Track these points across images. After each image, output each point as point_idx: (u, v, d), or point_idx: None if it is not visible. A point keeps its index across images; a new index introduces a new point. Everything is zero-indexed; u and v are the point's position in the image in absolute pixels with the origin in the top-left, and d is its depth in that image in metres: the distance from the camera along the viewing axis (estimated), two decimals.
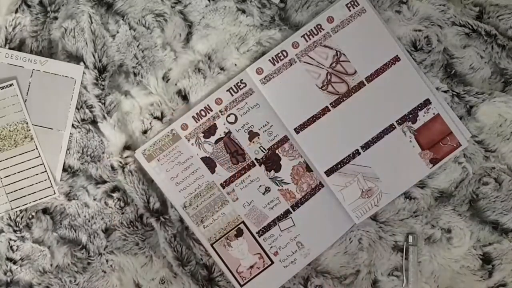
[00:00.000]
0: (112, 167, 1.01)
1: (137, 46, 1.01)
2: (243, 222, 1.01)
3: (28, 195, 0.99)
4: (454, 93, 1.01)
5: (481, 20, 1.02)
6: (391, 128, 1.00)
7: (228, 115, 1.00)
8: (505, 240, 1.02)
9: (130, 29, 1.01)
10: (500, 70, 1.02)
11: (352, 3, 1.00)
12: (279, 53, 0.99)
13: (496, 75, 1.03)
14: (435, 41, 1.01)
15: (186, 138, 0.99)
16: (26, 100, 0.99)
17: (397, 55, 1.00)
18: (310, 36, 1.00)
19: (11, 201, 0.98)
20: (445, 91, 1.01)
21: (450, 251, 1.02)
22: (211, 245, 1.01)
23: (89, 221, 1.02)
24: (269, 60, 0.99)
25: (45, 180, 0.99)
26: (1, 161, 0.98)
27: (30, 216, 1.00)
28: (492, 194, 1.02)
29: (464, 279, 1.02)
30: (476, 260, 1.02)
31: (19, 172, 0.99)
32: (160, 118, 1.01)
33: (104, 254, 1.02)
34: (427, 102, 1.01)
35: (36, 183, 0.99)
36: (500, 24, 1.02)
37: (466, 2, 1.02)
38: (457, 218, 1.02)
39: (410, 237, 1.01)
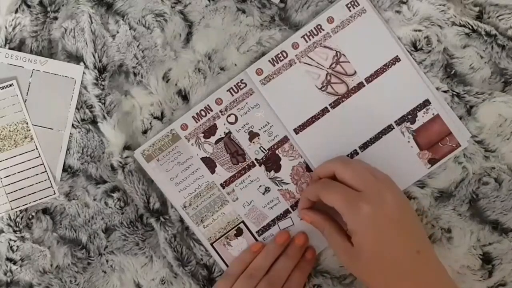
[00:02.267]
0: (112, 167, 1.01)
1: (137, 46, 1.01)
2: (243, 221, 1.01)
3: (28, 195, 0.99)
4: (454, 93, 1.01)
5: (481, 20, 1.02)
6: (389, 128, 1.00)
7: (228, 115, 1.00)
8: (505, 240, 1.02)
9: (130, 29, 1.01)
10: (500, 70, 1.02)
11: (352, 3, 1.00)
12: (279, 54, 0.99)
13: (496, 75, 1.02)
14: (435, 41, 1.01)
15: (186, 138, 0.99)
16: (26, 100, 0.99)
17: (397, 56, 1.00)
18: (310, 37, 1.00)
19: (11, 201, 0.98)
20: (445, 91, 1.01)
21: (450, 251, 1.01)
22: (211, 244, 1.01)
23: (89, 221, 1.02)
24: (269, 61, 0.99)
25: (45, 180, 0.99)
26: (1, 161, 0.98)
27: (30, 216, 1.01)
28: (492, 194, 1.02)
29: (464, 279, 1.02)
30: (476, 260, 1.02)
31: (19, 172, 0.99)
32: (160, 118, 1.01)
33: (104, 254, 1.02)
34: (426, 103, 1.00)
35: (36, 183, 0.99)
36: (500, 24, 1.02)
37: (466, 2, 1.02)
38: (457, 218, 1.02)
39: None
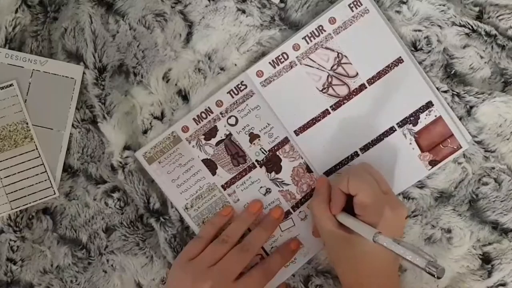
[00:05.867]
0: (112, 167, 1.01)
1: (137, 46, 1.01)
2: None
3: (28, 195, 0.99)
4: (454, 93, 1.01)
5: (481, 20, 1.02)
6: (391, 130, 1.00)
7: (229, 117, 1.00)
8: (504, 240, 1.02)
9: (130, 29, 1.01)
10: (500, 70, 1.02)
11: (355, 3, 0.99)
12: (279, 56, 0.99)
13: (496, 75, 1.03)
14: (435, 41, 1.01)
15: (187, 140, 0.99)
16: (26, 100, 0.99)
17: (400, 57, 1.00)
18: (311, 38, 0.99)
19: (11, 201, 0.98)
20: (445, 91, 1.01)
21: (450, 251, 1.02)
22: None
23: (89, 221, 1.02)
24: (270, 62, 0.99)
25: (45, 180, 0.99)
26: (1, 161, 0.98)
27: (30, 216, 1.01)
28: (492, 194, 1.02)
29: (464, 278, 1.02)
30: (476, 260, 1.02)
31: (19, 172, 0.99)
32: (160, 118, 1.01)
33: (104, 254, 1.02)
34: (429, 105, 1.00)
35: (36, 183, 0.99)
36: (500, 24, 1.02)
37: (466, 2, 1.02)
38: (457, 218, 1.02)
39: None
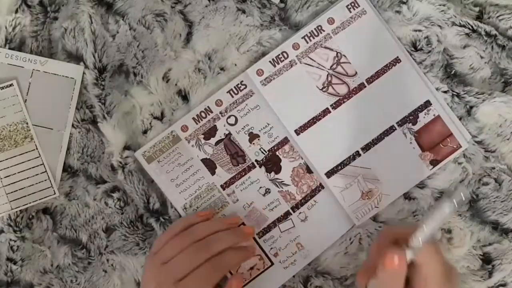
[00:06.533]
0: (112, 167, 1.01)
1: (137, 46, 1.01)
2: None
3: (28, 195, 0.99)
4: (454, 93, 1.01)
5: (481, 20, 1.02)
6: (391, 129, 1.00)
7: (229, 117, 1.00)
8: (505, 240, 1.02)
9: (130, 29, 1.01)
10: (500, 70, 1.02)
11: (353, 4, 1.00)
12: (279, 55, 0.99)
13: (496, 75, 1.03)
14: (435, 41, 1.01)
15: (186, 139, 0.99)
16: (26, 100, 0.99)
17: (397, 57, 1.00)
18: (311, 38, 1.00)
19: (11, 201, 0.98)
20: (445, 91, 1.01)
21: (450, 251, 1.02)
22: None
23: (89, 221, 1.02)
24: (270, 61, 0.99)
25: (45, 180, 0.99)
26: (1, 161, 0.98)
27: (30, 216, 1.00)
28: (492, 194, 1.02)
29: (465, 279, 1.02)
30: (476, 260, 1.02)
31: (19, 172, 0.99)
32: (160, 118, 1.01)
33: (104, 253, 1.02)
34: (427, 104, 1.01)
35: (36, 183, 0.99)
36: (500, 24, 1.02)
37: (466, 2, 1.02)
38: (457, 218, 1.02)
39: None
